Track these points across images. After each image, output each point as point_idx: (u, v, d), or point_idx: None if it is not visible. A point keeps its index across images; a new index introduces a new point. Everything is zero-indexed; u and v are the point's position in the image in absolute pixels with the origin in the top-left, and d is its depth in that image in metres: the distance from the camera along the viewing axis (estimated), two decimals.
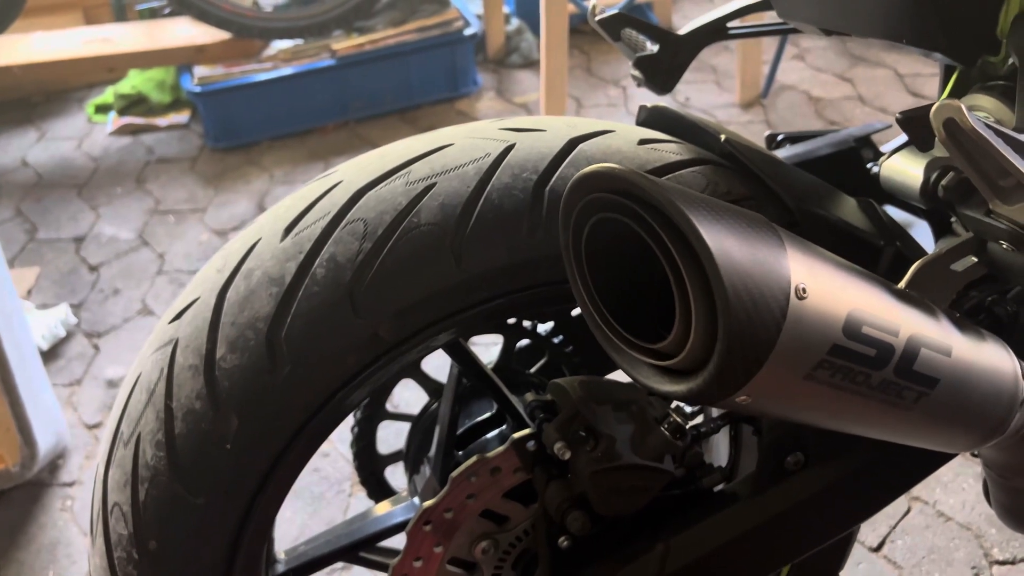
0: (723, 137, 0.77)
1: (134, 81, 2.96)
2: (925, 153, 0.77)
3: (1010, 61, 0.78)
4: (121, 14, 3.10)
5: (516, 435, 0.80)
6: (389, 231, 0.69)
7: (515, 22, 3.13)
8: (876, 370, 0.58)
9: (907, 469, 0.86)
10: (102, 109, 2.96)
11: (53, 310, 2.07)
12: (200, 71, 2.73)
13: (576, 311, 1.07)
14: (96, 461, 1.73)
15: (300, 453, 0.72)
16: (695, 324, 0.54)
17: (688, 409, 0.80)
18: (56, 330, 2.03)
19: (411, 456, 1.08)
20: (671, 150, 0.77)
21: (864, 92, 2.77)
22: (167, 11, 2.95)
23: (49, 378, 1.76)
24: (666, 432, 0.76)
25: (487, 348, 1.68)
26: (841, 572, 1.01)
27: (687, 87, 2.83)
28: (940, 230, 0.85)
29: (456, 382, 0.92)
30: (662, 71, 1.00)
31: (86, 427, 1.83)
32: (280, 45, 2.82)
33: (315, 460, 1.67)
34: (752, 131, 2.62)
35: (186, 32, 2.80)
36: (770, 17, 0.97)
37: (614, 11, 0.99)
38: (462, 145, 0.74)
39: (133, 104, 2.93)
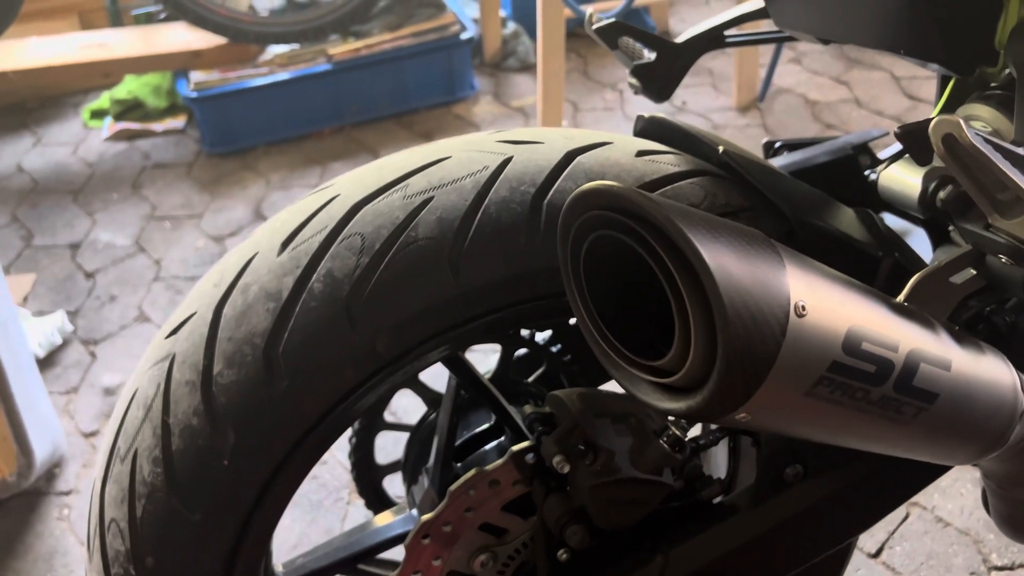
0: (721, 149, 0.77)
1: (130, 86, 2.96)
2: None
3: (1007, 71, 0.78)
4: (117, 19, 3.10)
5: (515, 448, 0.80)
6: (386, 245, 0.69)
7: (511, 26, 3.13)
8: (875, 386, 0.58)
9: (906, 480, 0.86)
10: (98, 114, 2.96)
11: (49, 317, 2.07)
12: (196, 76, 2.72)
13: (574, 320, 1.07)
14: (93, 470, 1.73)
15: (297, 468, 0.72)
16: (694, 342, 0.54)
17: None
18: (52, 337, 2.02)
19: (409, 467, 1.08)
20: (669, 162, 0.77)
21: (861, 95, 2.77)
22: (163, 16, 2.94)
23: (45, 386, 1.75)
24: (665, 445, 0.76)
25: (485, 355, 1.68)
26: None
27: (684, 91, 2.83)
28: (938, 238, 0.85)
29: (454, 394, 0.92)
30: (659, 79, 1.00)
31: (83, 435, 1.82)
32: (276, 50, 2.81)
33: (313, 468, 1.66)
34: (749, 134, 2.62)
35: (182, 37, 2.80)
36: (767, 25, 0.97)
37: (611, 20, 0.99)
38: (459, 158, 0.73)
39: (129, 109, 2.92)
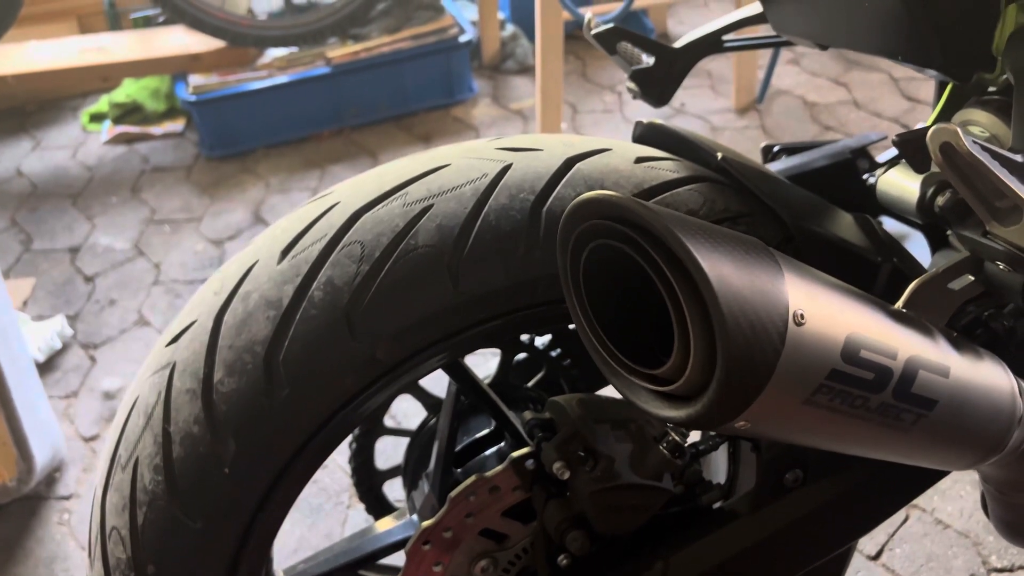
0: (719, 155, 0.77)
1: (129, 90, 2.96)
2: None
3: (1005, 77, 0.78)
4: (115, 23, 3.09)
5: (515, 454, 0.80)
6: (386, 253, 0.69)
7: (510, 28, 3.13)
8: (874, 393, 0.58)
9: (905, 485, 0.86)
10: (97, 118, 2.96)
11: (49, 321, 2.07)
12: (195, 80, 2.72)
13: (574, 326, 1.07)
14: (93, 475, 1.73)
15: (298, 475, 0.72)
16: (694, 351, 0.54)
17: None
18: (52, 342, 2.02)
19: (409, 472, 1.08)
20: (668, 168, 0.77)
21: (859, 96, 2.77)
22: (161, 20, 2.94)
23: (45, 390, 1.75)
24: (665, 451, 0.76)
25: (485, 360, 1.68)
26: None
27: (683, 92, 2.83)
28: (937, 243, 0.85)
29: (454, 400, 0.92)
30: (658, 84, 1.00)
31: (83, 439, 1.82)
32: (275, 53, 2.81)
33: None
34: (748, 136, 2.63)
35: (181, 41, 2.80)
36: (765, 30, 0.97)
37: (609, 25, 0.99)
38: (459, 165, 0.74)
39: (128, 113, 2.92)
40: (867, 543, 1.49)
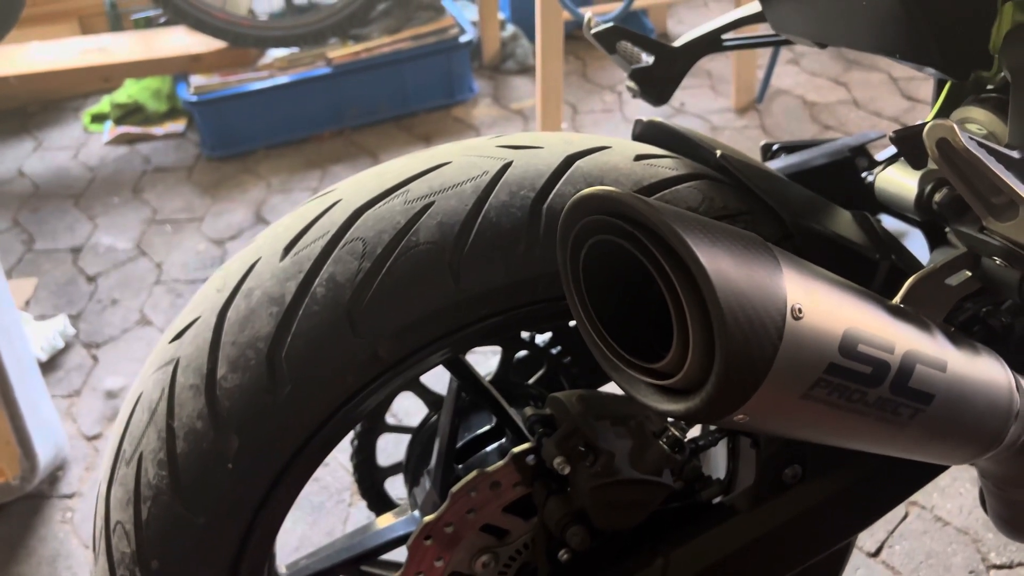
0: (718, 153, 0.78)
1: (130, 90, 2.96)
2: None
3: (1002, 75, 0.79)
4: (117, 24, 3.10)
5: (516, 450, 0.81)
6: (388, 250, 0.69)
7: (510, 28, 3.13)
8: (872, 387, 0.59)
9: (905, 480, 0.87)
10: (98, 119, 2.97)
11: (51, 321, 2.08)
12: (196, 80, 2.73)
13: (574, 322, 1.07)
14: (96, 474, 1.73)
15: (301, 471, 0.73)
16: (692, 345, 0.55)
17: None
18: (54, 341, 2.03)
19: (411, 468, 1.08)
20: (667, 165, 0.77)
21: (859, 96, 2.78)
22: (163, 20, 2.95)
23: (48, 389, 1.76)
24: (665, 446, 0.77)
25: (486, 357, 1.69)
26: None
27: (682, 92, 2.84)
28: (934, 240, 0.85)
29: (455, 396, 0.93)
30: (657, 83, 1.01)
31: (85, 438, 1.83)
32: (276, 54, 2.82)
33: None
34: (747, 136, 2.63)
35: (182, 41, 2.80)
36: (764, 29, 0.98)
37: (609, 24, 1.00)
38: (459, 163, 0.74)
39: (129, 113, 2.93)
40: (867, 540, 1.50)
